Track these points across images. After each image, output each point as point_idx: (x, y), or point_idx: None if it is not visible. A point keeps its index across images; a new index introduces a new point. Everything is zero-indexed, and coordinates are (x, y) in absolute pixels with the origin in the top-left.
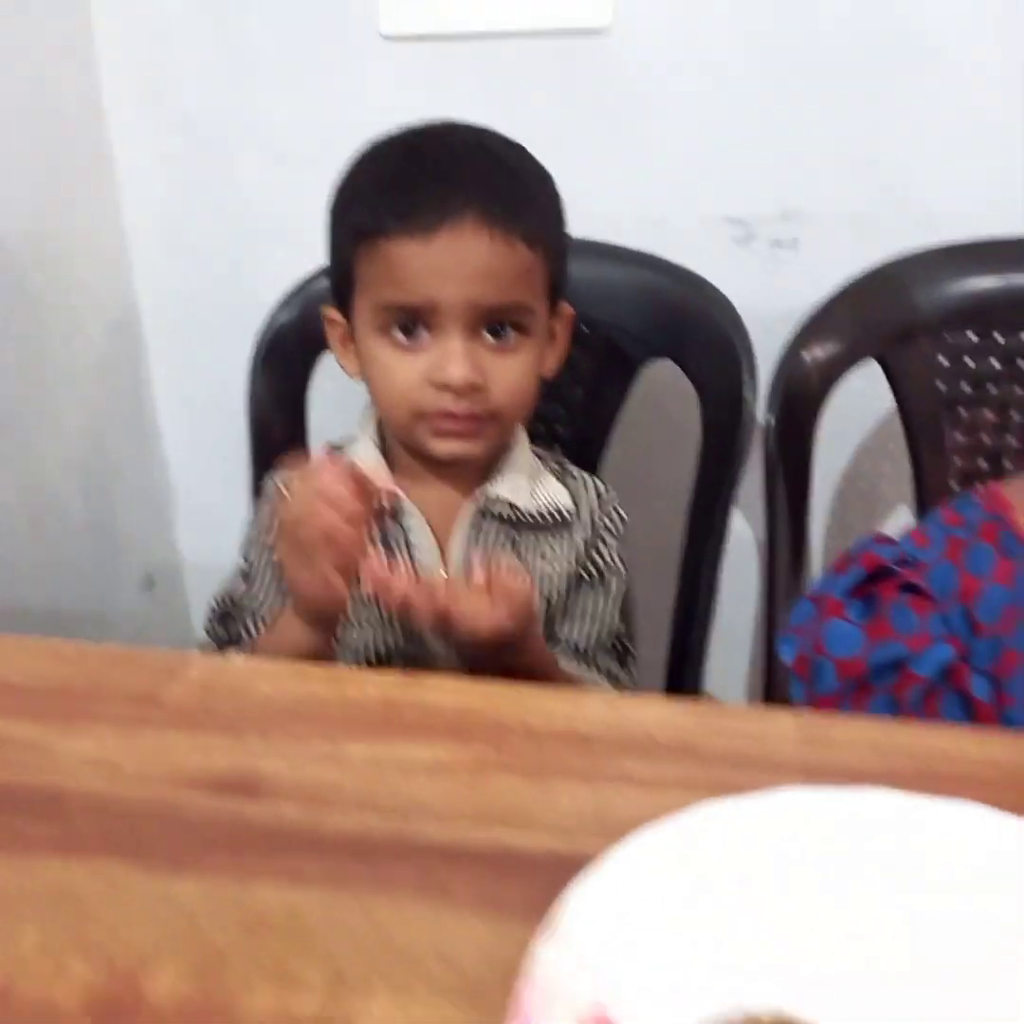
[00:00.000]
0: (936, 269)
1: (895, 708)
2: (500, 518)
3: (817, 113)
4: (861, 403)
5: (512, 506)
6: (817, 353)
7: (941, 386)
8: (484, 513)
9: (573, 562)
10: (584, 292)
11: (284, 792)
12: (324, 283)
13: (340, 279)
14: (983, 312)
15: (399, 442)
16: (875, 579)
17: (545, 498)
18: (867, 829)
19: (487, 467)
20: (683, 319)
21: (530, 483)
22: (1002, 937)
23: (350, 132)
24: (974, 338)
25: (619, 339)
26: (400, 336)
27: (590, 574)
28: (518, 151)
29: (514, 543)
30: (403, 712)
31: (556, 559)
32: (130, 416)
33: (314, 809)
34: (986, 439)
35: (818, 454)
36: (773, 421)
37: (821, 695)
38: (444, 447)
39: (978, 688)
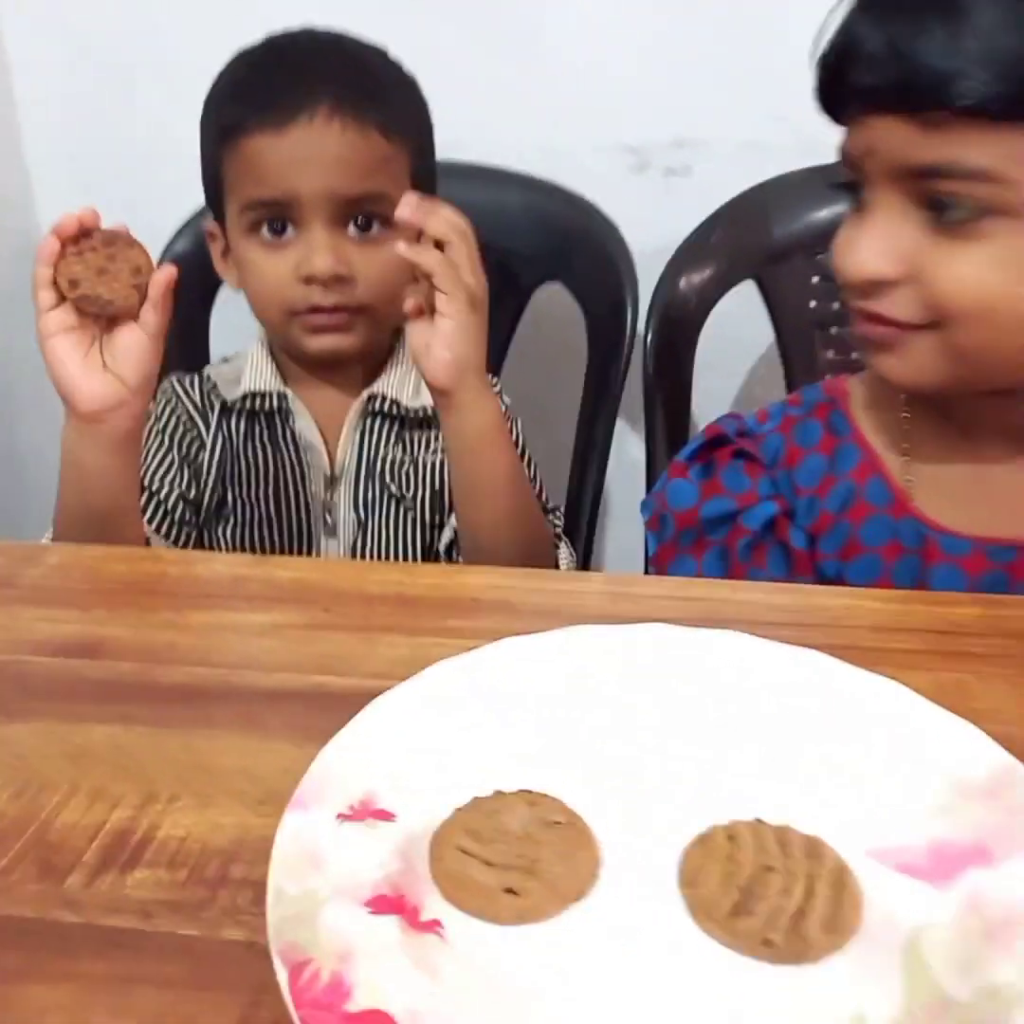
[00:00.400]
0: (807, 190)
1: (728, 558)
2: (386, 415)
3: (708, 40)
4: (740, 322)
5: (395, 402)
6: (693, 277)
7: (813, 304)
8: (370, 412)
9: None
10: (475, 216)
11: (123, 653)
12: None
13: (212, 186)
14: None
15: (279, 346)
16: (715, 446)
17: (428, 394)
18: (639, 655)
19: (374, 367)
20: (570, 242)
21: (415, 379)
22: (746, 742)
23: None
24: None
25: (511, 262)
26: (267, 234)
27: None
28: (376, 51)
29: (402, 439)
30: (247, 585)
31: (443, 449)
32: (32, 346)
33: (149, 666)
34: (855, 357)
35: (699, 371)
36: (651, 344)
37: (666, 543)
38: (317, 343)
39: (796, 539)
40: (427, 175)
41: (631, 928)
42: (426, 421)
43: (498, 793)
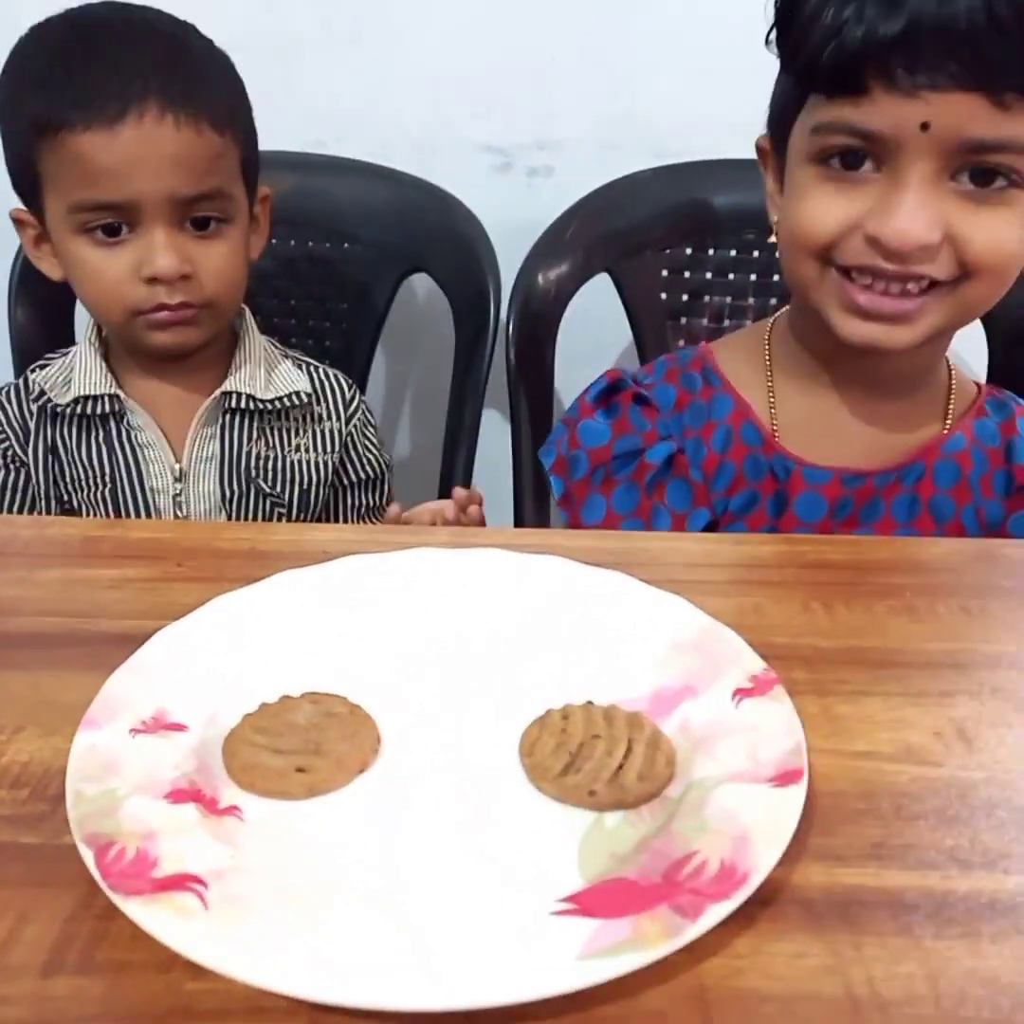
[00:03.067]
0: (654, 187)
1: (635, 493)
2: (243, 410)
3: (567, 43)
4: (600, 315)
5: (251, 397)
6: (550, 271)
7: (663, 296)
8: (227, 408)
9: (329, 451)
10: (346, 208)
11: None
12: None
13: (22, 175)
14: (698, 227)
15: (118, 341)
16: (615, 391)
17: (281, 382)
18: (440, 576)
19: (223, 363)
20: (433, 233)
21: (266, 372)
22: (541, 645)
23: None
24: (689, 251)
25: (377, 253)
26: (101, 236)
27: (360, 477)
28: (190, 30)
29: (263, 432)
30: (100, 545)
31: (309, 448)
32: None
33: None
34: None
35: (562, 362)
36: (513, 334)
37: (576, 482)
38: (161, 338)
39: (696, 474)
40: (254, 164)
41: (410, 794)
42: (282, 412)
43: (285, 697)
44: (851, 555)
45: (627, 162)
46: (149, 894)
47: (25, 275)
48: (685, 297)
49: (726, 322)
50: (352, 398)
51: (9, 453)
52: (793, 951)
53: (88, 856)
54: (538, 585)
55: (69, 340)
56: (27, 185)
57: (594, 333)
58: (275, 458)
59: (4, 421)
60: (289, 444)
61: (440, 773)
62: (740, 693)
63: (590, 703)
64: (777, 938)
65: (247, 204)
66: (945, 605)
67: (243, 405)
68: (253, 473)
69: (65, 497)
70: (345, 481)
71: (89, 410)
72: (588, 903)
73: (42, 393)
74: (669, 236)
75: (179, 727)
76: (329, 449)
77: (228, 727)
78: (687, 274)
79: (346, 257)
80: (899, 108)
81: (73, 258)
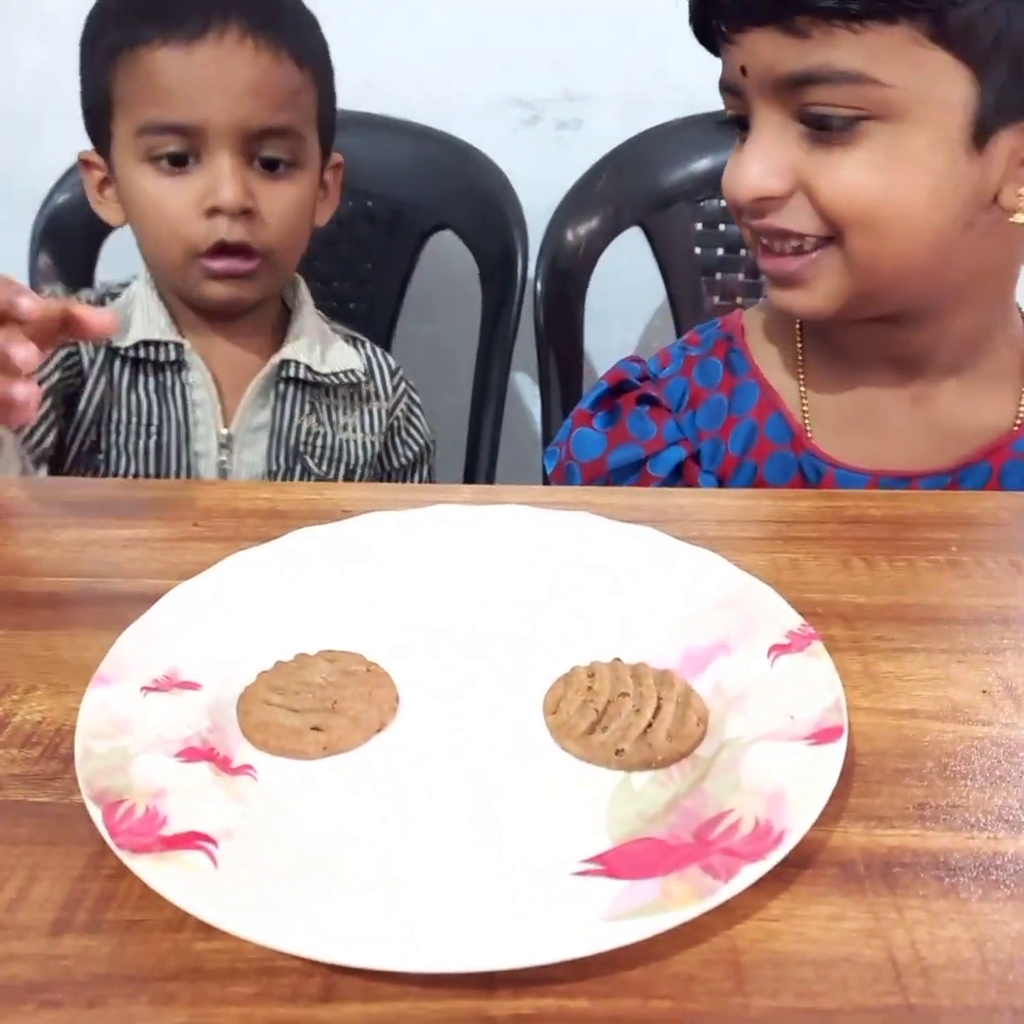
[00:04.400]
0: (687, 138)
1: None
2: (298, 381)
3: None
4: (631, 271)
5: (309, 368)
6: (579, 226)
7: (697, 251)
8: (281, 377)
9: (376, 433)
10: (368, 166)
11: None
12: None
13: (96, 109)
14: None
15: (173, 292)
16: (618, 392)
17: (336, 358)
18: (469, 533)
19: (279, 331)
20: (459, 190)
21: (321, 346)
22: (565, 600)
23: None
24: (724, 203)
25: (402, 210)
26: (166, 165)
27: (403, 463)
28: None
29: (314, 407)
30: (117, 505)
31: (357, 428)
32: None
33: (14, 578)
34: (740, 302)
35: (592, 320)
36: (541, 291)
37: None
38: (215, 291)
39: (705, 482)
40: (330, 123)
41: (429, 754)
42: (332, 389)
43: (300, 655)
44: (893, 510)
45: (658, 114)
46: (158, 852)
47: (48, 237)
48: (720, 251)
49: (763, 277)
50: (399, 381)
51: (75, 368)
52: (831, 914)
53: (96, 813)
54: (563, 541)
55: None
56: (99, 119)
57: (626, 290)
58: (324, 435)
59: (79, 348)
60: (338, 422)
61: (461, 732)
62: (776, 650)
63: (617, 661)
64: (814, 901)
65: (320, 158)
66: (993, 560)
67: (301, 375)
68: (302, 448)
69: (98, 440)
70: (387, 466)
71: (151, 355)
72: (615, 864)
73: None
74: (702, 188)
75: (192, 685)
76: (376, 430)
77: (243, 686)
78: (722, 227)
79: (368, 215)
80: (729, 55)
81: (136, 189)
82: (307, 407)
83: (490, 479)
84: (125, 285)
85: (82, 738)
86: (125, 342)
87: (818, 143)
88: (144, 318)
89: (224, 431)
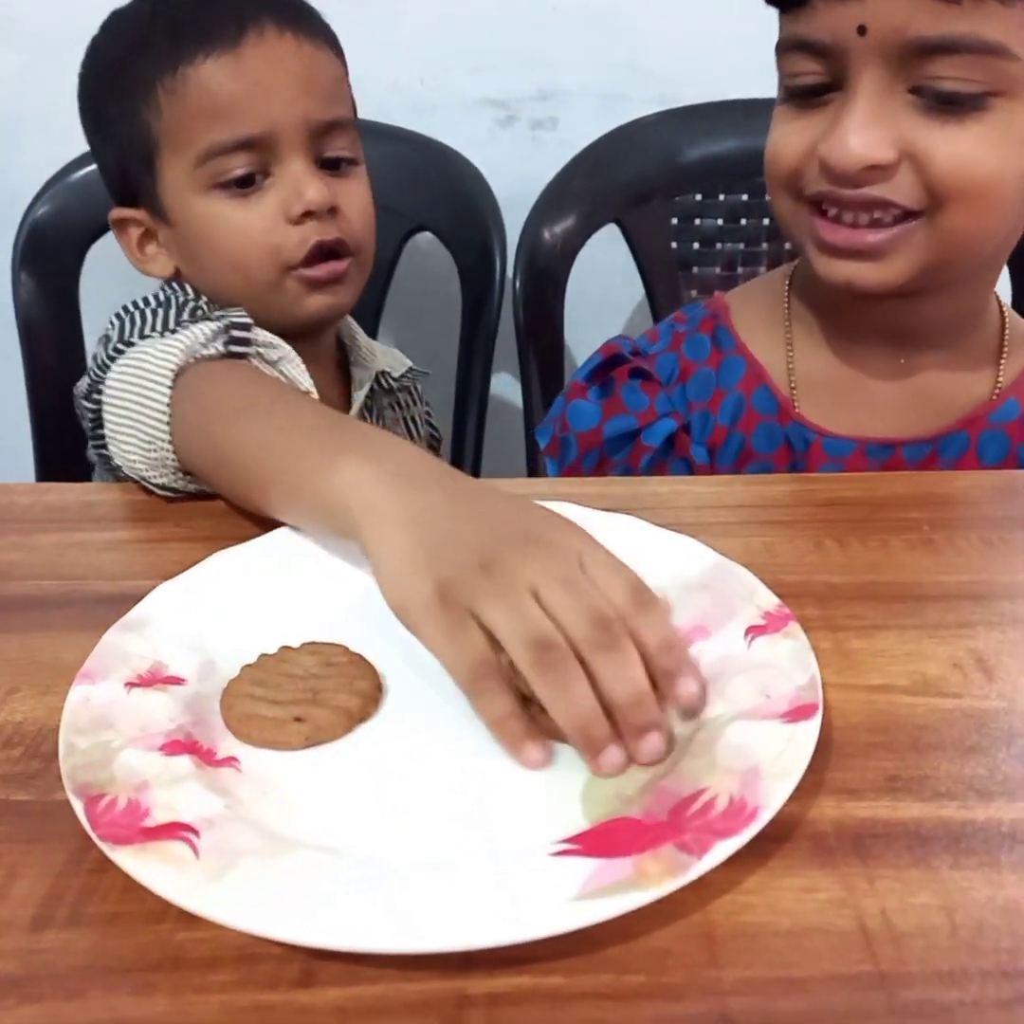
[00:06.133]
0: (661, 133)
1: (631, 475)
2: (374, 393)
3: None
4: (608, 268)
5: (391, 375)
6: (556, 224)
7: (674, 245)
8: (372, 391)
9: (422, 438)
10: None
11: None
12: (83, 173)
13: (130, 160)
14: (707, 173)
15: (266, 319)
16: (612, 366)
17: (396, 365)
18: None
19: (338, 350)
20: (436, 191)
21: (383, 356)
22: None
23: (104, 16)
24: (699, 198)
25: (380, 213)
26: (236, 189)
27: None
28: None
29: (395, 415)
30: (97, 508)
31: (409, 436)
32: None
33: None
34: (719, 294)
35: (571, 317)
36: (520, 291)
37: (567, 467)
38: (317, 302)
39: (697, 455)
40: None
41: (411, 743)
42: (398, 392)
43: (283, 648)
44: (866, 491)
45: (633, 110)
46: (139, 843)
47: (29, 252)
48: (696, 245)
49: (740, 269)
50: (424, 376)
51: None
52: (803, 885)
53: (78, 806)
54: None
55: (76, 316)
56: (135, 165)
57: (604, 287)
58: None
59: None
60: (398, 432)
61: (441, 720)
62: (753, 631)
63: None
64: (787, 873)
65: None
66: (964, 538)
67: (387, 385)
68: None
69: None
70: None
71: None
72: (590, 843)
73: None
74: (677, 183)
75: (176, 680)
76: (422, 435)
77: (226, 680)
78: (697, 221)
79: None
80: (835, 12)
81: (206, 221)
82: (388, 419)
83: (475, 475)
84: (164, 303)
85: (65, 734)
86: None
87: (933, 114)
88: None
89: None
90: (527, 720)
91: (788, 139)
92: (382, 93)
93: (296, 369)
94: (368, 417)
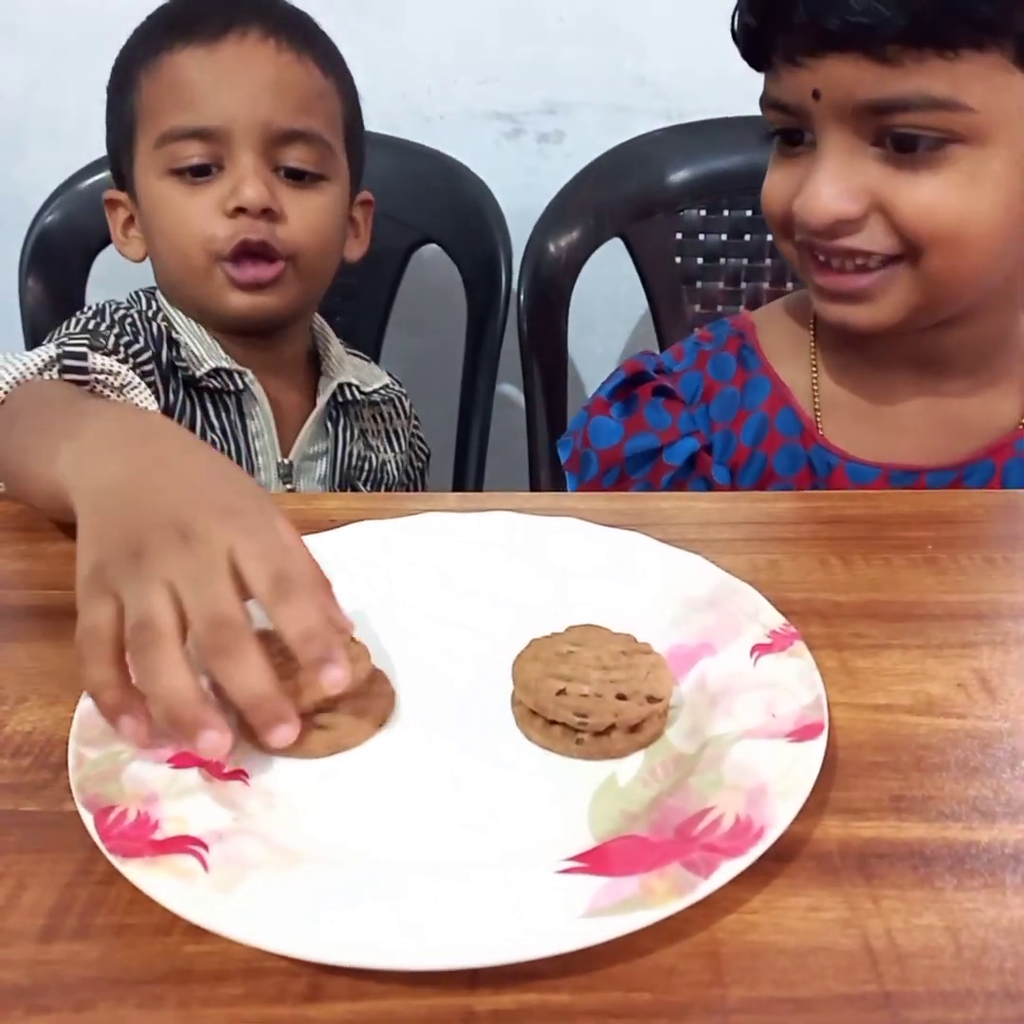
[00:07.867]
0: (666, 148)
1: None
2: (344, 406)
3: (573, 3)
4: (613, 281)
5: (359, 389)
6: (561, 238)
7: (678, 260)
8: (336, 402)
9: (403, 451)
10: None
11: None
12: (91, 181)
13: (120, 137)
14: (711, 187)
15: (197, 313)
16: (635, 383)
17: (372, 380)
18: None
19: (312, 363)
20: (443, 204)
21: (354, 368)
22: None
23: (111, 24)
24: (703, 213)
25: (385, 225)
26: (189, 177)
27: (417, 470)
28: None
29: (361, 432)
30: None
31: (386, 447)
32: None
33: (2, 591)
34: (721, 310)
35: (576, 331)
36: (524, 303)
37: (588, 483)
38: (238, 302)
39: (719, 475)
40: (359, 137)
41: (419, 756)
42: (366, 411)
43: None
44: (869, 509)
45: (639, 124)
46: (149, 856)
47: (37, 258)
48: (700, 260)
49: (743, 284)
50: (406, 395)
51: (143, 368)
52: (808, 905)
53: (88, 819)
54: (551, 546)
55: None
56: (123, 143)
57: (608, 300)
58: (369, 457)
59: (145, 336)
60: (374, 444)
61: (451, 735)
62: (758, 649)
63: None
64: (792, 892)
65: (349, 179)
66: (968, 557)
67: (355, 397)
68: (352, 472)
69: None
70: (402, 480)
71: (220, 384)
72: (596, 861)
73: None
74: (681, 198)
75: None
76: (403, 448)
77: None
78: (701, 236)
79: None
80: (794, 78)
81: (157, 202)
82: (357, 432)
83: (479, 487)
84: (130, 307)
85: (75, 745)
86: (200, 370)
87: (897, 165)
88: (202, 347)
89: (284, 460)
90: (126, 694)
91: (776, 187)
92: (389, 105)
93: (141, 395)
94: (331, 427)
